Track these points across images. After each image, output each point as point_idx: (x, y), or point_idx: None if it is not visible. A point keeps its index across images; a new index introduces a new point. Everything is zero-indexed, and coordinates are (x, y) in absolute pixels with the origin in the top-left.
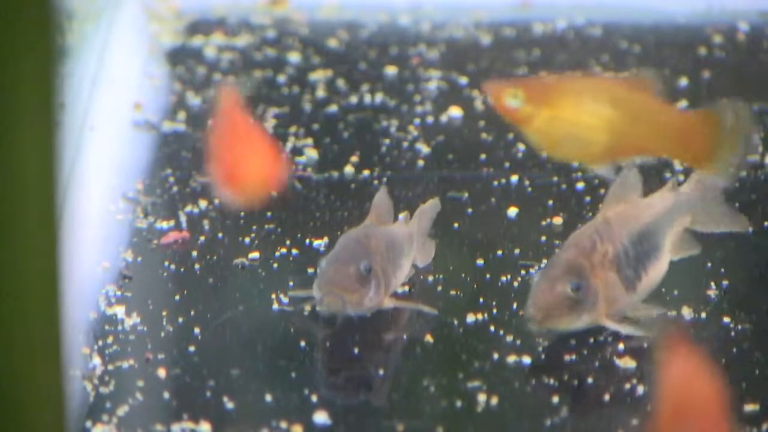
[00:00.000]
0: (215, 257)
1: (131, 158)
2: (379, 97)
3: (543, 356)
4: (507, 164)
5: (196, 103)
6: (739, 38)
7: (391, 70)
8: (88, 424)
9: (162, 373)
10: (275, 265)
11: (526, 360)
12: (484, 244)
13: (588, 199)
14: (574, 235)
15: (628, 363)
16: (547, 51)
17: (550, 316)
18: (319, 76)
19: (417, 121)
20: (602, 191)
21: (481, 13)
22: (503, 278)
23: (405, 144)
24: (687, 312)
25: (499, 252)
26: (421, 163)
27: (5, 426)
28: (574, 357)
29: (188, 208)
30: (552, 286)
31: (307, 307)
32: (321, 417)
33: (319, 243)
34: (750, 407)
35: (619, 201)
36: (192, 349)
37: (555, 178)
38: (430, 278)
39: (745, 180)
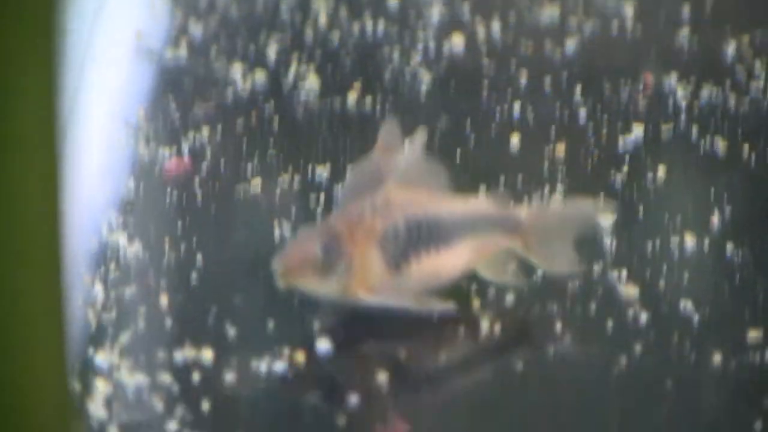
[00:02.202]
0: (217, 184)
1: (133, 86)
2: (381, 24)
3: (542, 281)
4: (510, 92)
5: (197, 31)
6: None
7: None
8: (90, 351)
9: (164, 300)
10: (278, 192)
11: (528, 290)
12: (486, 172)
13: (591, 126)
14: (349, 205)
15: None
16: None
17: (293, 272)
18: (320, 3)
19: (420, 47)
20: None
21: None
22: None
23: (408, 71)
24: (690, 239)
25: (502, 180)
26: (423, 90)
27: (5, 352)
28: (576, 284)
29: (191, 136)
30: (303, 243)
31: None
32: (324, 344)
33: (322, 170)
34: (753, 334)
35: (408, 185)
36: (194, 276)
37: (558, 106)
38: None
39: (749, 107)
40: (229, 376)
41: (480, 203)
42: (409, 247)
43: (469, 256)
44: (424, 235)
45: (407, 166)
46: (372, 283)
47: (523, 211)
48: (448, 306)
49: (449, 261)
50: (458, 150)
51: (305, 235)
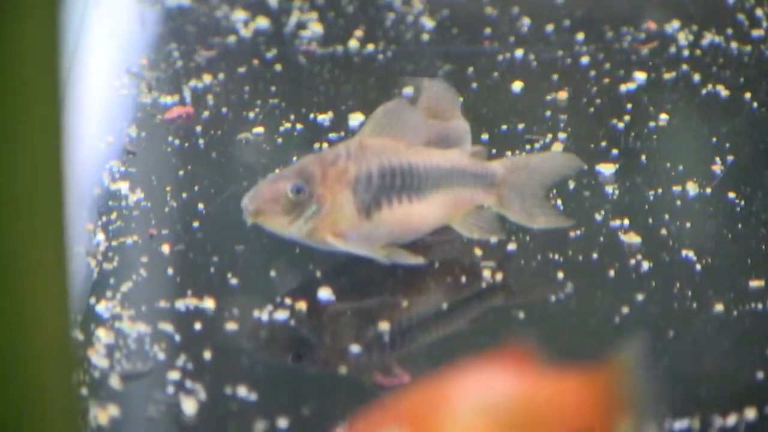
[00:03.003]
0: (219, 132)
1: (135, 33)
2: None
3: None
4: (512, 39)
5: None
6: None
7: None
8: (92, 300)
9: (166, 249)
10: (279, 140)
11: (530, 238)
12: (489, 119)
13: (593, 73)
14: (327, 148)
15: (633, 239)
16: None
17: (263, 211)
18: None
19: None
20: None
21: None
22: (508, 153)
23: (410, 18)
24: (692, 187)
25: (504, 126)
26: (425, 37)
27: (7, 300)
28: (578, 233)
29: (192, 83)
30: (274, 182)
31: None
32: (325, 293)
33: (324, 117)
34: (755, 283)
35: (384, 132)
36: (196, 224)
37: (560, 53)
38: None
39: (750, 54)
40: (231, 325)
41: (456, 157)
42: (381, 194)
43: (442, 209)
44: (397, 183)
45: (388, 114)
46: (342, 228)
47: (498, 166)
48: (418, 259)
49: (421, 212)
50: (460, 96)
51: (277, 174)
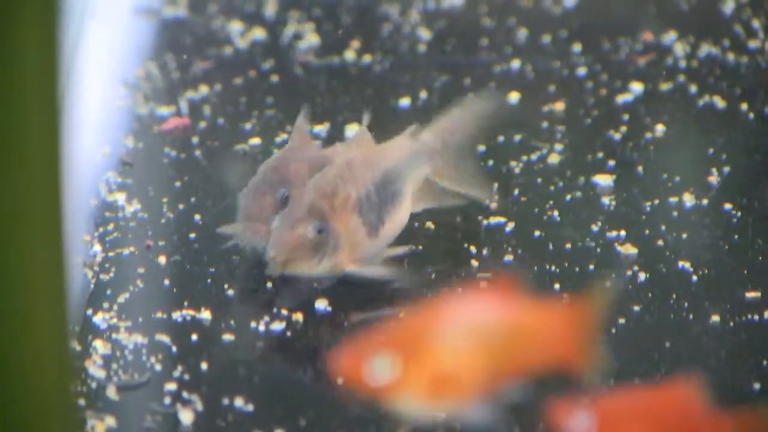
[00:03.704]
0: (216, 143)
1: (132, 44)
2: None
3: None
4: (509, 50)
5: None
6: None
7: None
8: (89, 311)
9: (162, 260)
10: (276, 151)
11: (526, 249)
12: (485, 130)
13: (590, 84)
14: (315, 177)
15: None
16: None
17: (292, 258)
18: None
19: (419, 5)
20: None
21: None
22: (505, 164)
23: (406, 29)
24: (688, 198)
25: (501, 138)
26: (422, 48)
27: (5, 315)
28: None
29: (189, 94)
30: (294, 228)
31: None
32: (322, 304)
33: (320, 129)
34: (751, 294)
35: (356, 146)
36: (192, 236)
37: (557, 64)
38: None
39: (747, 65)
40: (228, 336)
41: (403, 144)
42: (381, 209)
43: (410, 199)
44: (388, 193)
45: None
46: (358, 254)
47: (433, 137)
48: (406, 249)
49: (406, 209)
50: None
51: (292, 219)
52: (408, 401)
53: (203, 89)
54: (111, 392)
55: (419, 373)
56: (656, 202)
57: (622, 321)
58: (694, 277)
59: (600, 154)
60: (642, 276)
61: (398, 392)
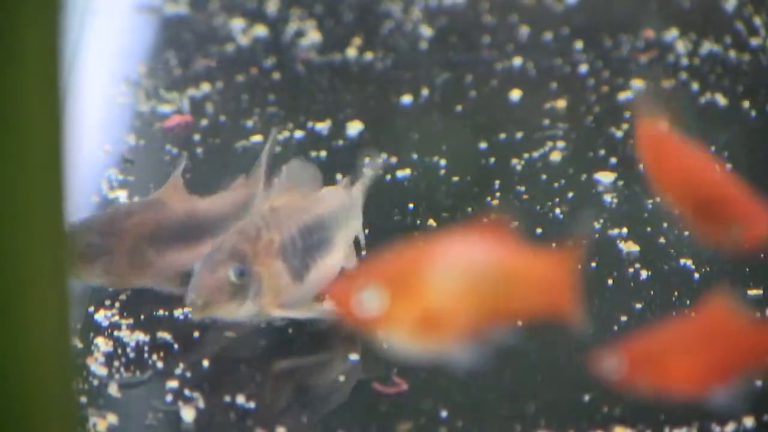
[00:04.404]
0: (218, 140)
1: (134, 41)
2: None
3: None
4: (510, 47)
5: None
6: None
7: None
8: (91, 308)
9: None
10: (278, 148)
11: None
12: (487, 128)
13: (591, 81)
14: (239, 223)
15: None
16: None
17: (212, 302)
18: None
19: (420, 3)
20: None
21: None
22: (506, 161)
23: (408, 26)
24: None
25: (502, 135)
26: (424, 45)
27: (7, 312)
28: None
29: (191, 92)
30: (214, 271)
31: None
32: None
33: (322, 126)
34: (753, 292)
35: (287, 191)
36: None
37: (558, 61)
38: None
39: (749, 63)
40: (230, 333)
41: (339, 194)
42: (306, 255)
43: (343, 250)
44: (315, 240)
45: (289, 172)
46: (282, 299)
47: (359, 193)
48: (330, 309)
49: (335, 258)
50: (458, 105)
51: (212, 262)
52: (396, 337)
53: (205, 86)
54: (113, 390)
55: (407, 309)
56: (658, 199)
57: (624, 318)
58: (696, 275)
59: (602, 152)
60: (644, 274)
61: (387, 326)
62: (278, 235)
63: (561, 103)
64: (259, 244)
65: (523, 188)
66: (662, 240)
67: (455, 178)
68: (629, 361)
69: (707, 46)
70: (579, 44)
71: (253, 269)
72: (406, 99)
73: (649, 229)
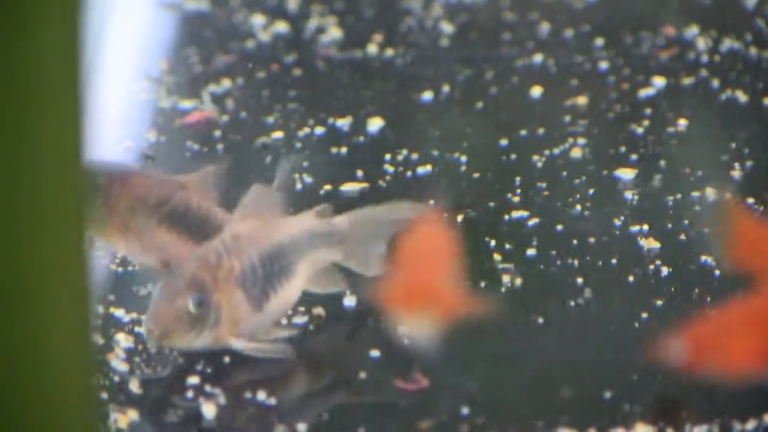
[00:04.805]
0: (239, 137)
1: (155, 38)
2: None
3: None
4: (531, 44)
5: None
6: None
7: None
8: (112, 297)
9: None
10: (298, 144)
11: (549, 243)
12: (508, 124)
13: (612, 78)
14: (199, 249)
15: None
16: None
17: (170, 331)
18: None
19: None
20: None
21: None
22: (527, 158)
23: (429, 23)
24: (711, 192)
25: (523, 132)
26: (444, 42)
27: (28, 309)
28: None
29: (212, 88)
30: (172, 300)
31: None
32: (347, 299)
33: (343, 122)
34: None
35: (250, 216)
36: None
37: (579, 58)
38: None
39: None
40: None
41: (308, 222)
42: (266, 284)
43: (305, 278)
44: (276, 268)
45: (252, 196)
46: (240, 328)
47: (343, 222)
48: (286, 350)
49: (296, 287)
50: (479, 101)
51: (171, 290)
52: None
53: (226, 83)
54: (134, 386)
55: (397, 286)
56: (679, 196)
57: (644, 315)
58: (717, 272)
59: (622, 148)
60: (664, 270)
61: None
62: (239, 263)
63: (582, 100)
64: (219, 271)
65: (543, 185)
66: (683, 237)
67: (476, 175)
68: (694, 345)
69: (728, 44)
70: (599, 41)
71: (212, 298)
72: (427, 96)
73: (670, 225)
